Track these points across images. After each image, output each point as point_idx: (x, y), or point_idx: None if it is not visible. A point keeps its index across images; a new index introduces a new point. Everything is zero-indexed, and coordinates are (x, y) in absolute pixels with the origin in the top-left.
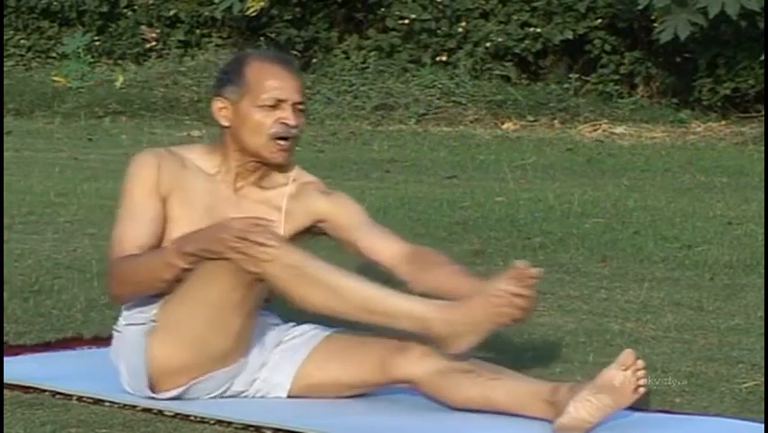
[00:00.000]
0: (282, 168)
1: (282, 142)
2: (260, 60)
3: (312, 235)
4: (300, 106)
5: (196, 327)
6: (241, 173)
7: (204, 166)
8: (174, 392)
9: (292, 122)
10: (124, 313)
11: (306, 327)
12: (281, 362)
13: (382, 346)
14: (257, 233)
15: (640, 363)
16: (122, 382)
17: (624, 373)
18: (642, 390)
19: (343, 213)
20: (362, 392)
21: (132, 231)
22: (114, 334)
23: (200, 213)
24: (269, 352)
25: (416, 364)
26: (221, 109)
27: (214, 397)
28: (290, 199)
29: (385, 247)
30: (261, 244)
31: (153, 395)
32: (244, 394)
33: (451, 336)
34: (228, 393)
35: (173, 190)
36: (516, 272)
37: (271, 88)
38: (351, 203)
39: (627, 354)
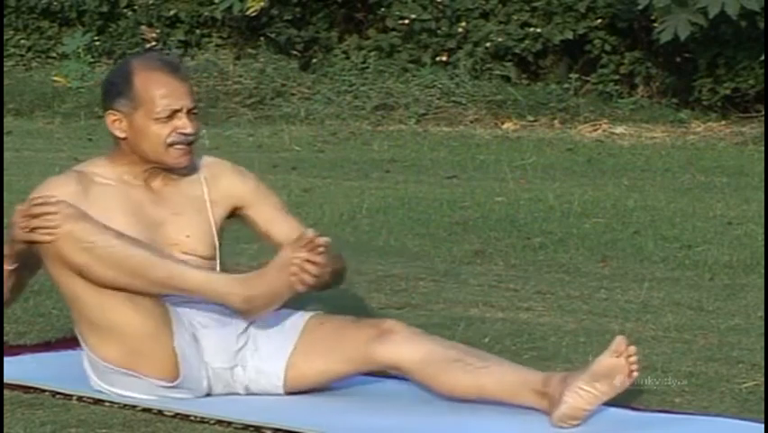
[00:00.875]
0: (187, 170)
1: (183, 147)
2: (147, 70)
3: (232, 218)
4: (194, 111)
5: (90, 312)
6: (150, 176)
7: (112, 176)
8: (161, 382)
9: (190, 129)
10: None
11: (283, 312)
12: (270, 350)
13: (364, 333)
14: (44, 208)
15: (632, 348)
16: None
17: (617, 360)
18: (635, 374)
19: (264, 207)
20: (355, 375)
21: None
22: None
23: (123, 219)
24: (242, 325)
25: (401, 350)
26: (114, 122)
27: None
28: (208, 187)
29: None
30: (48, 218)
31: (101, 389)
32: (234, 370)
33: (250, 306)
34: (210, 371)
35: (88, 208)
36: (305, 240)
37: (163, 100)
38: (268, 192)
39: (620, 341)
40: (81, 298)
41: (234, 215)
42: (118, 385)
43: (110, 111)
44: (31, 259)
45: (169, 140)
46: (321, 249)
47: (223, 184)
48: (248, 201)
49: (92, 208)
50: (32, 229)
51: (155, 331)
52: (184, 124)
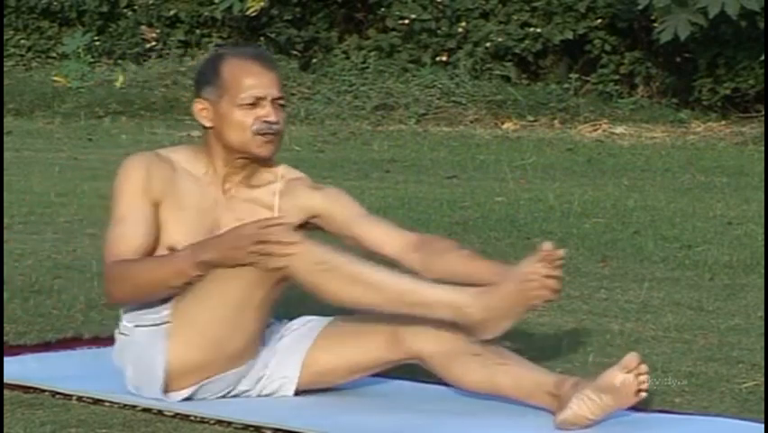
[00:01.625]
0: (269, 163)
1: (268, 136)
2: (236, 58)
3: (306, 231)
4: (280, 101)
5: (215, 327)
6: (228, 174)
7: (191, 168)
8: (184, 393)
9: (273, 118)
10: (128, 315)
11: (304, 318)
12: (286, 355)
13: (392, 321)
14: (274, 233)
15: (643, 367)
16: (126, 384)
17: (626, 376)
18: (643, 394)
19: (338, 207)
20: (374, 372)
21: (127, 234)
22: (119, 336)
23: (192, 217)
24: (270, 349)
25: (429, 340)
26: (201, 110)
27: (219, 397)
28: (281, 196)
29: (388, 238)
30: (282, 243)
31: (163, 397)
32: (247, 394)
33: (486, 322)
34: (233, 393)
35: (164, 195)
36: (544, 254)
37: (249, 87)
38: (344, 196)
39: (631, 358)
40: (210, 308)
41: (311, 226)
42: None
43: (197, 99)
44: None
45: (254, 127)
46: (560, 262)
47: (298, 196)
48: (320, 209)
49: (168, 195)
50: (263, 254)
51: (240, 357)
52: (267, 112)
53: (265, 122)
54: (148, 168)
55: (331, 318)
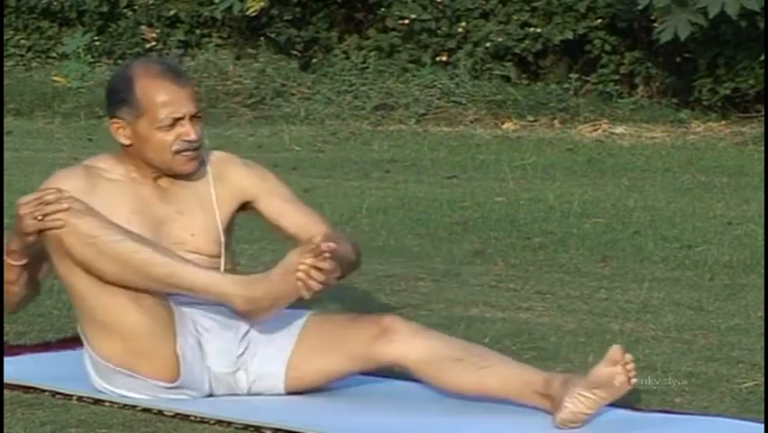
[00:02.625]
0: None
1: (189, 153)
2: (148, 78)
3: (243, 212)
4: (198, 115)
5: (97, 312)
6: (157, 175)
7: (120, 172)
8: (161, 383)
9: (193, 136)
10: None
11: (282, 311)
12: (271, 351)
13: (365, 331)
14: (49, 195)
15: (628, 356)
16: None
17: (614, 369)
18: (634, 381)
19: (273, 199)
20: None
21: None
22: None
23: (129, 215)
24: (243, 328)
25: (403, 348)
26: (118, 129)
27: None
28: (216, 183)
29: (306, 228)
30: (55, 204)
31: (102, 388)
32: (236, 374)
33: (251, 310)
34: (212, 375)
35: (93, 202)
36: (312, 246)
37: (166, 108)
38: (277, 184)
39: (615, 350)
40: (85, 295)
41: (245, 209)
42: (117, 384)
43: (113, 119)
44: (42, 254)
45: (175, 147)
46: (327, 255)
47: (230, 179)
48: (255, 194)
49: (99, 204)
50: (44, 216)
51: (158, 332)
52: (187, 131)
53: (185, 141)
54: (72, 182)
55: (309, 313)
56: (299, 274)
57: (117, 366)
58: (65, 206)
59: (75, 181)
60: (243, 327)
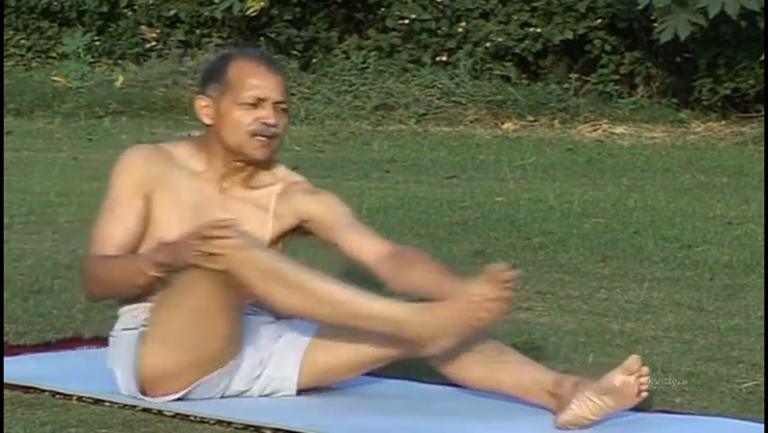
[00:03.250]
0: (267, 166)
1: (264, 138)
2: (243, 59)
3: (299, 235)
4: (282, 105)
5: (182, 333)
6: (227, 173)
7: (191, 164)
8: (167, 398)
9: (272, 120)
10: (120, 317)
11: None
12: (284, 354)
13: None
14: (218, 231)
15: (645, 369)
16: (119, 387)
17: (628, 378)
18: (644, 394)
19: (329, 213)
20: (375, 368)
21: (112, 230)
22: (111, 339)
23: (186, 212)
24: (266, 348)
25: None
26: (203, 107)
27: (212, 398)
28: (278, 199)
29: (367, 246)
30: (221, 243)
31: (146, 398)
32: (248, 394)
33: (425, 339)
34: (228, 393)
35: (158, 188)
36: (491, 276)
37: (252, 87)
38: (337, 203)
39: (633, 360)
40: (191, 319)
41: (303, 230)
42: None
43: (200, 96)
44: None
45: (251, 128)
46: (507, 284)
47: (292, 200)
48: (312, 213)
49: (165, 189)
50: (207, 255)
51: (216, 359)
52: (267, 114)
53: (263, 123)
54: (146, 160)
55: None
56: (478, 306)
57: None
58: (231, 251)
59: (151, 158)
60: (265, 350)
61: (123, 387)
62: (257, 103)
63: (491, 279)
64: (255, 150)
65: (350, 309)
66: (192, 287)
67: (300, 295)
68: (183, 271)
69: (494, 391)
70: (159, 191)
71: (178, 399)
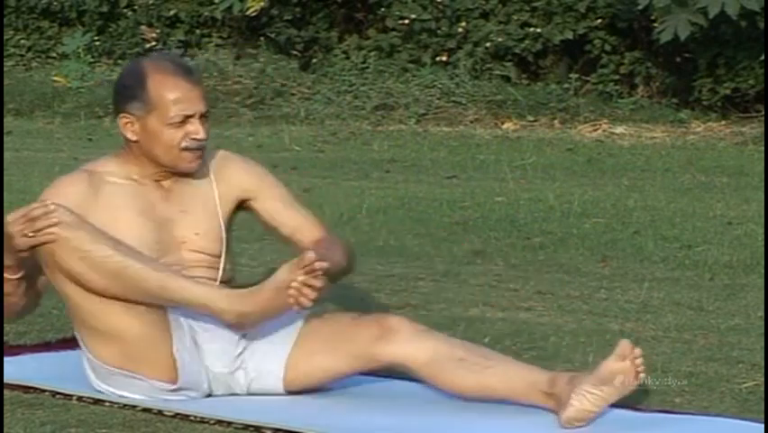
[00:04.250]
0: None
1: (195, 152)
2: (161, 74)
3: (241, 211)
4: (206, 114)
5: (88, 317)
6: (161, 178)
7: (121, 176)
8: (114, 385)
9: (202, 135)
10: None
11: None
12: (269, 348)
13: (366, 331)
14: (35, 211)
15: (637, 351)
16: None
17: (623, 363)
18: (642, 375)
19: (269, 200)
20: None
21: None
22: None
23: (134, 220)
24: (249, 348)
25: (405, 349)
26: (126, 124)
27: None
28: (217, 182)
29: (304, 230)
30: (44, 218)
31: (101, 389)
32: (235, 374)
33: (239, 324)
34: (211, 375)
35: (92, 208)
36: (305, 263)
37: (178, 104)
38: (275, 184)
39: (625, 345)
40: (79, 303)
41: (242, 207)
42: (118, 386)
43: (123, 114)
44: (38, 265)
45: (183, 144)
46: (319, 273)
47: (230, 178)
48: (253, 193)
49: (102, 207)
50: (34, 233)
51: (153, 336)
52: (196, 129)
53: (194, 139)
54: (72, 186)
55: (307, 313)
56: (291, 291)
57: (115, 368)
58: (54, 220)
59: (77, 186)
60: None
61: (96, 385)
62: (184, 120)
63: (305, 267)
64: (188, 163)
65: (167, 293)
66: (55, 278)
67: (117, 279)
68: (28, 261)
69: (488, 399)
70: (93, 211)
71: (174, 388)
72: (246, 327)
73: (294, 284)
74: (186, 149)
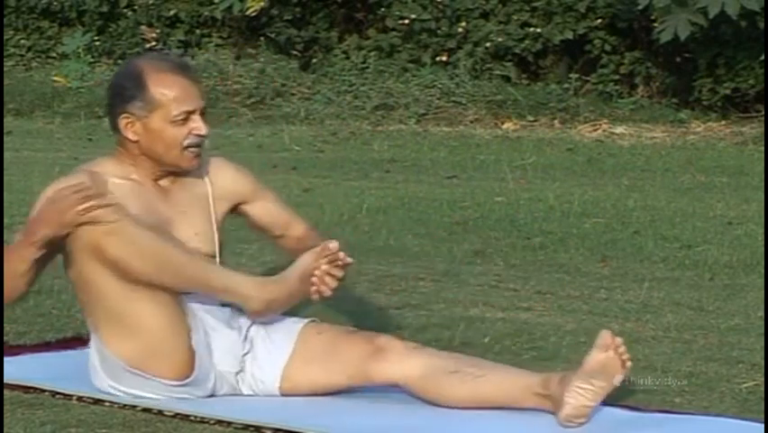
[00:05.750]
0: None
1: (197, 149)
2: (160, 72)
3: (233, 214)
4: (204, 110)
5: (112, 305)
6: (158, 177)
7: (121, 176)
8: (121, 381)
9: (203, 131)
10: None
11: (278, 316)
12: (266, 356)
13: (360, 349)
14: (90, 191)
15: (618, 340)
16: (93, 382)
17: (606, 354)
18: (629, 364)
19: (261, 202)
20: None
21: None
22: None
23: (138, 217)
24: (246, 326)
25: (396, 368)
26: (127, 125)
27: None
28: (212, 184)
29: (297, 228)
30: (101, 207)
31: (107, 388)
32: (239, 375)
33: (265, 311)
34: (217, 373)
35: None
36: (328, 252)
37: (180, 102)
38: (265, 190)
39: (605, 335)
40: (107, 292)
41: (235, 211)
42: (126, 384)
43: (123, 114)
44: (54, 250)
45: (186, 142)
46: (342, 263)
47: (223, 181)
48: (247, 197)
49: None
50: (86, 211)
51: (175, 328)
52: (199, 126)
53: (197, 135)
54: None
55: (306, 322)
56: (314, 279)
57: (130, 366)
58: (110, 201)
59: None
60: (245, 326)
61: (95, 379)
62: (187, 117)
63: (328, 256)
64: (189, 161)
65: (202, 282)
66: (84, 262)
67: (159, 265)
68: (58, 244)
69: (483, 407)
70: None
71: (185, 383)
72: (267, 314)
73: (317, 272)
74: (188, 146)
